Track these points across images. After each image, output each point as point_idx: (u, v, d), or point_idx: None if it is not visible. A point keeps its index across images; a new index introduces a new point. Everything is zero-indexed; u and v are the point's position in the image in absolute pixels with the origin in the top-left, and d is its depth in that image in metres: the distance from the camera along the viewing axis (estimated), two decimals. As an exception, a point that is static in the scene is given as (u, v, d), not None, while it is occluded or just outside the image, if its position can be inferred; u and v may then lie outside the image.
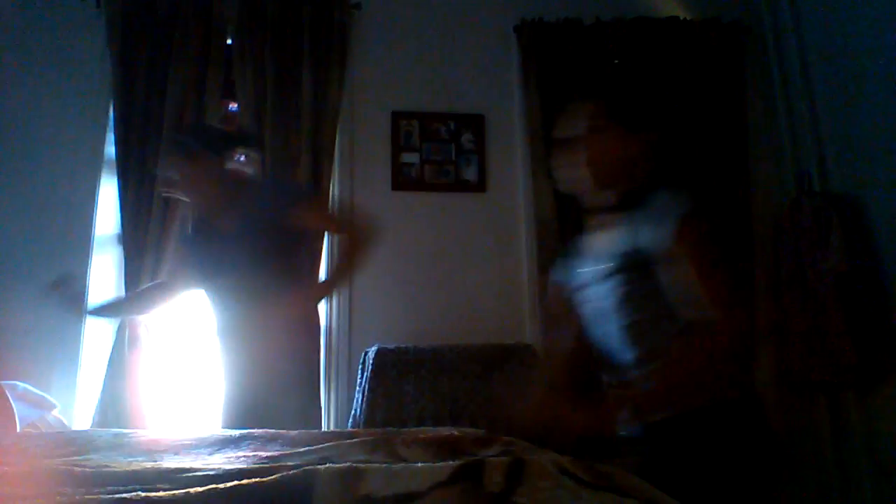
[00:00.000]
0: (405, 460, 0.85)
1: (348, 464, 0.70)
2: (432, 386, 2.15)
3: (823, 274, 2.52)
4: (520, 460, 0.69)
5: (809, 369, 2.53)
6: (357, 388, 2.29)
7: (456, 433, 1.05)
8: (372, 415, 2.09)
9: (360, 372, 2.30)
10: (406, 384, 2.15)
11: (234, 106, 2.68)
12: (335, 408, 2.47)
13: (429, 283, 2.62)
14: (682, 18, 2.91)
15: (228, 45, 2.62)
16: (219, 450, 1.08)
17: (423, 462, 0.77)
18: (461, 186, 2.72)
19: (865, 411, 2.55)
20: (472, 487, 0.65)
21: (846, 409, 2.61)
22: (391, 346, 2.25)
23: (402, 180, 2.69)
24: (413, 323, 2.55)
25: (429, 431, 1.10)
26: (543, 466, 0.68)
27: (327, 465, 0.69)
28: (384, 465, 0.71)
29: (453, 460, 0.74)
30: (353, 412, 2.24)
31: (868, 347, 2.47)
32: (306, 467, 0.68)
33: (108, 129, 2.54)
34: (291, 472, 0.66)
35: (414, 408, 2.11)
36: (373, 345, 2.29)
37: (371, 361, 2.19)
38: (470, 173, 2.74)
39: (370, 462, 0.79)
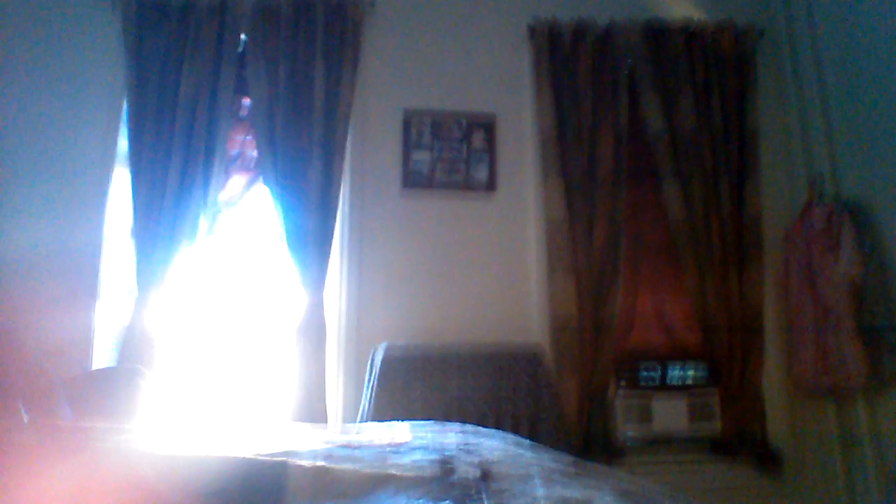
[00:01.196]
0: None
1: (322, 464, 0.70)
2: (440, 385, 2.15)
3: (834, 279, 2.51)
4: (489, 459, 0.70)
5: (819, 375, 2.52)
6: (365, 385, 2.29)
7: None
8: (379, 413, 2.10)
9: (368, 370, 2.30)
10: (414, 383, 2.15)
11: (246, 102, 2.69)
12: (343, 405, 2.48)
13: (437, 283, 2.62)
14: (696, 20, 2.90)
15: (242, 41, 2.63)
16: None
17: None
18: (471, 186, 2.72)
19: (875, 418, 2.54)
20: (449, 472, 0.66)
21: (855, 415, 2.60)
22: (399, 344, 2.25)
23: (413, 179, 2.69)
24: (421, 322, 2.56)
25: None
26: (512, 463, 0.69)
27: (298, 463, 0.69)
28: (356, 467, 0.71)
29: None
30: (360, 410, 2.25)
31: (878, 353, 2.46)
32: (278, 458, 0.68)
33: (121, 123, 2.56)
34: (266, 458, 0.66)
35: (421, 406, 2.11)
36: (381, 343, 2.29)
37: (379, 359, 2.19)
38: (480, 173, 2.74)
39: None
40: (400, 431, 1.14)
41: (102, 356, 2.41)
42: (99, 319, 2.41)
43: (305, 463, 0.69)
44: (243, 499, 0.64)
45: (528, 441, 1.01)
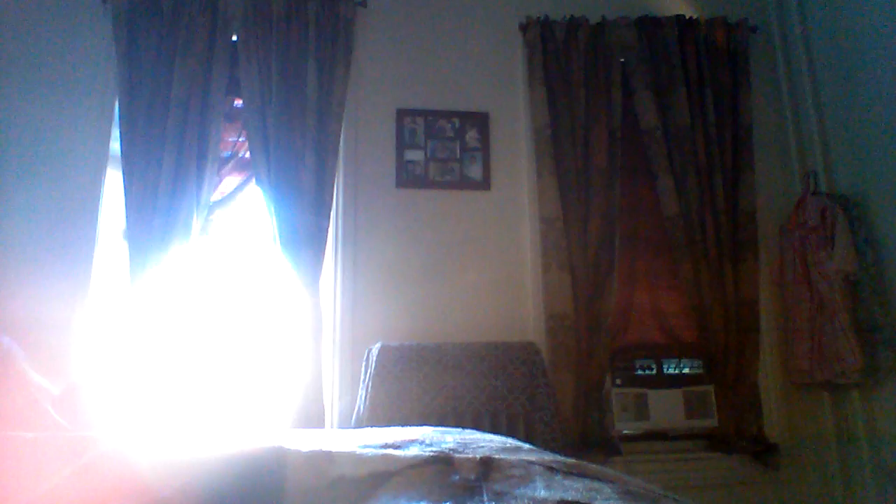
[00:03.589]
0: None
1: (319, 448, 0.70)
2: (436, 384, 2.15)
3: (829, 273, 2.51)
4: (489, 458, 0.69)
5: (815, 369, 2.52)
6: (360, 385, 2.28)
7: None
8: (375, 413, 2.09)
9: (363, 369, 2.29)
10: (409, 382, 2.14)
11: (238, 102, 2.68)
12: (340, 406, 2.47)
13: (432, 281, 2.62)
14: (688, 17, 2.90)
15: (234, 41, 2.62)
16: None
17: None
18: (466, 184, 2.72)
19: (870, 411, 2.55)
20: (446, 470, 0.65)
21: (851, 408, 2.61)
22: (394, 343, 2.24)
23: (407, 178, 2.69)
24: (416, 320, 2.55)
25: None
26: (512, 461, 0.69)
27: (296, 448, 0.68)
28: (355, 450, 0.71)
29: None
30: (356, 410, 2.24)
31: (873, 347, 2.46)
32: (276, 445, 0.67)
33: (113, 124, 2.55)
34: (260, 447, 0.65)
35: (417, 405, 2.11)
36: (376, 342, 2.28)
37: (374, 359, 2.18)
38: (474, 171, 2.74)
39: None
40: (399, 432, 1.14)
41: (95, 357, 2.40)
42: (92, 320, 2.40)
43: (303, 447, 0.68)
44: (241, 486, 0.63)
45: (527, 445, 1.01)
